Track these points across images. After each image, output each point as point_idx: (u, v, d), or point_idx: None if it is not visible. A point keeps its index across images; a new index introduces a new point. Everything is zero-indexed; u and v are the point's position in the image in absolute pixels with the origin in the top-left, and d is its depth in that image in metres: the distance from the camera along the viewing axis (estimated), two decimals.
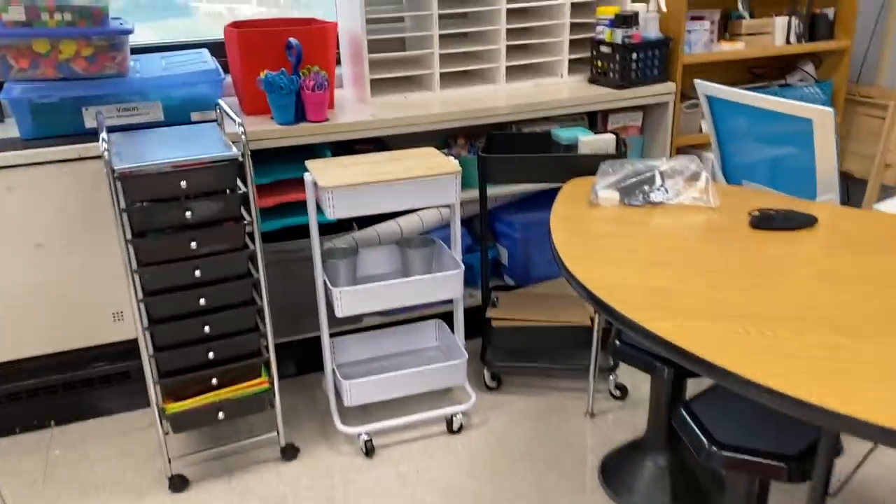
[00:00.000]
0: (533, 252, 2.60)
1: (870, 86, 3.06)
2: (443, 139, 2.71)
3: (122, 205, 1.76)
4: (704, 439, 1.43)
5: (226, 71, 2.56)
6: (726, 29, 2.82)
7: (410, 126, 2.34)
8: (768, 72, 3.03)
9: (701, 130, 2.83)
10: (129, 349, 2.28)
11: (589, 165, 2.13)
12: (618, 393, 2.35)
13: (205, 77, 2.22)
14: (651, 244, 1.61)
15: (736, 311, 1.31)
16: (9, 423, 2.26)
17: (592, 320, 2.34)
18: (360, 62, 2.46)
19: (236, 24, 2.42)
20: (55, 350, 2.20)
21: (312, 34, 2.33)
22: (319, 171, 2.01)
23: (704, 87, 2.13)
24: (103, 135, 1.72)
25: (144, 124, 2.20)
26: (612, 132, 2.31)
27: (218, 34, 2.64)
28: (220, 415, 1.97)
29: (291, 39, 2.22)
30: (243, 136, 1.83)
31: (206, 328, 1.92)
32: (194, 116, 2.26)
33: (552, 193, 2.74)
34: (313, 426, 2.27)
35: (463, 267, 2.11)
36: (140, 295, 1.83)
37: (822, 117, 1.84)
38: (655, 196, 1.84)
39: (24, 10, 2.01)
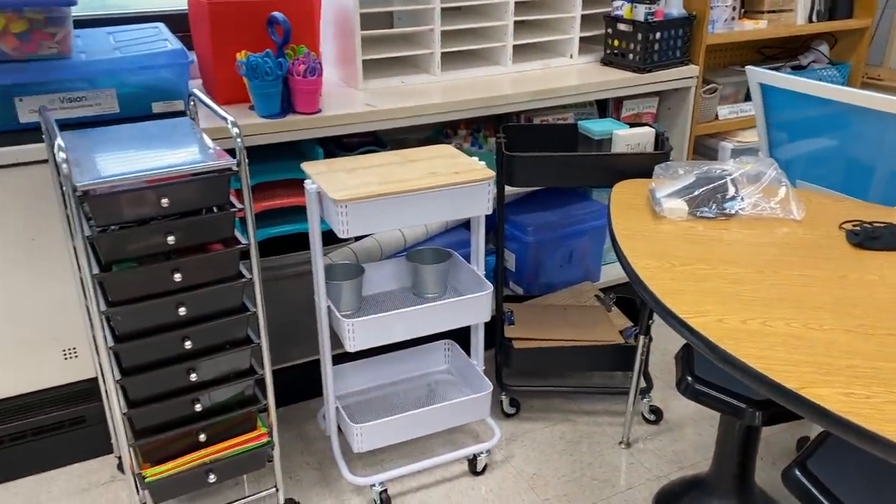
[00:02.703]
0: (545, 258, 2.31)
1: (878, 67, 2.90)
2: (439, 128, 2.37)
3: (86, 231, 1.37)
4: None
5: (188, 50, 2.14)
6: (743, 5, 2.58)
7: (412, 118, 2.00)
8: (780, 52, 2.82)
9: (717, 118, 2.59)
10: (83, 390, 1.88)
11: (630, 165, 1.85)
12: (652, 417, 2.12)
13: (169, 59, 1.81)
14: (752, 272, 1.35)
15: None
16: None
17: (623, 336, 2.08)
18: (348, 40, 2.09)
19: None
20: None
21: (294, 6, 1.95)
22: (323, 179, 1.66)
23: (758, 74, 1.87)
24: (59, 140, 1.32)
25: (95, 118, 1.78)
26: (627, 121, 2.04)
27: (172, 4, 2.21)
28: (211, 478, 1.62)
29: (276, 14, 1.84)
30: (239, 140, 1.46)
31: (193, 375, 1.56)
32: (156, 107, 1.85)
33: (562, 190, 2.46)
34: (312, 474, 1.93)
35: (491, 287, 1.81)
36: (110, 341, 1.45)
37: None
38: (730, 207, 1.58)
39: None
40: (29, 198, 1.66)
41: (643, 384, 2.10)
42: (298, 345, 2.11)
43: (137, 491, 1.58)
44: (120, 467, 1.94)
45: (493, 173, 1.69)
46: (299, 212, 1.96)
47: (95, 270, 1.40)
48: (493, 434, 1.98)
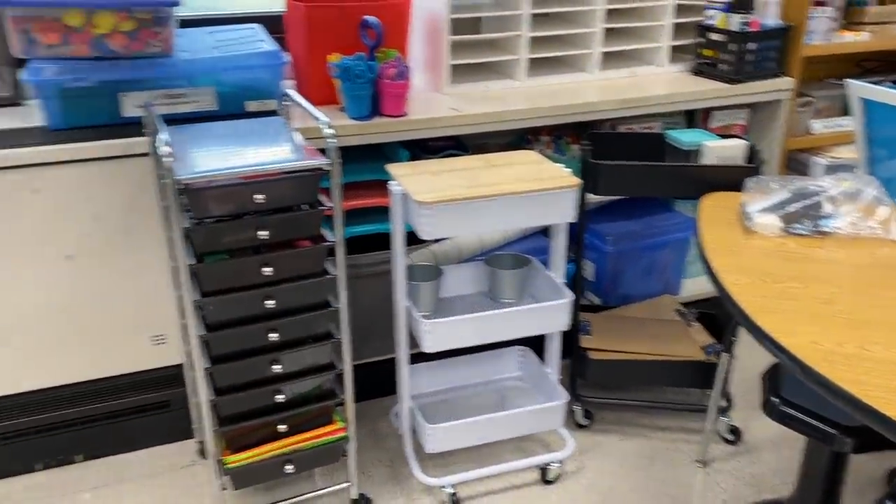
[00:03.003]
0: (625, 268, 2.28)
1: None
2: (521, 134, 2.37)
3: (184, 222, 1.42)
4: None
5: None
6: (844, 16, 2.48)
7: (497, 123, 2.01)
8: (880, 66, 2.70)
9: (810, 132, 2.50)
10: (169, 376, 1.96)
11: (719, 178, 1.81)
12: (731, 437, 2.06)
13: (265, 60, 1.87)
14: (848, 293, 1.30)
15: None
16: (29, 459, 1.93)
17: (705, 353, 2.03)
18: (437, 45, 2.11)
19: None
20: (84, 379, 1.88)
21: (387, 11, 1.98)
22: (408, 180, 1.68)
23: (860, 88, 1.80)
24: (163, 135, 1.38)
25: (193, 115, 1.85)
26: (716, 132, 1.99)
27: (269, 6, 2.28)
28: (289, 468, 1.66)
29: (369, 18, 1.87)
30: (332, 141, 1.49)
31: (276, 367, 1.60)
32: (250, 106, 1.92)
33: (644, 200, 2.42)
34: (383, 472, 1.96)
35: (572, 296, 1.80)
36: (201, 330, 1.50)
37: None
38: (826, 225, 1.53)
39: None
40: (128, 189, 1.74)
41: (723, 403, 2.05)
42: (371, 343, 2.14)
43: (218, 476, 1.63)
44: (200, 452, 2.01)
45: (577, 180, 1.68)
46: (379, 212, 1.99)
47: (190, 261, 1.46)
48: (566, 444, 1.96)
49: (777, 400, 1.52)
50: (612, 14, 2.30)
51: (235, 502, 1.84)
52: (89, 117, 1.77)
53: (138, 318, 1.85)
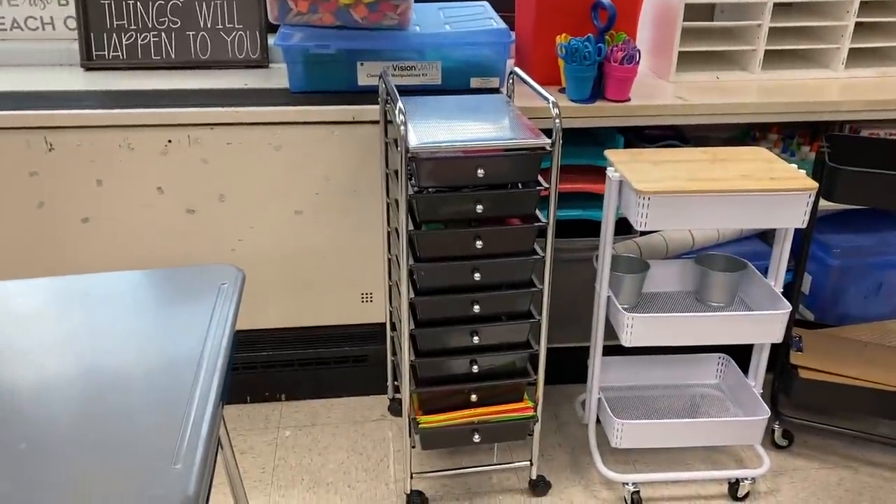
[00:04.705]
0: (848, 285, 2.09)
1: None
2: (746, 129, 2.23)
3: (409, 190, 1.48)
4: None
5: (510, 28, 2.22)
6: None
7: (726, 116, 1.90)
8: None
9: None
10: (371, 332, 2.06)
11: None
12: None
13: (494, 37, 1.90)
14: None
15: None
16: (241, 392, 2.13)
17: None
18: (667, 31, 2.03)
19: None
20: (297, 325, 2.03)
21: None
22: (627, 168, 1.63)
23: None
24: (400, 104, 1.44)
25: (420, 87, 1.92)
26: None
27: None
28: (476, 437, 1.70)
29: (604, 0, 1.83)
30: (557, 122, 1.48)
31: (475, 338, 1.63)
32: (474, 83, 1.95)
33: (880, 212, 2.20)
34: (563, 457, 1.95)
35: (790, 307, 1.67)
36: (411, 293, 1.57)
37: None
38: None
39: None
40: (357, 153, 1.84)
41: None
42: (564, 329, 2.12)
43: (409, 434, 1.70)
44: (390, 408, 2.11)
45: (814, 184, 1.55)
46: (587, 198, 1.96)
47: (410, 227, 1.52)
48: (762, 462, 1.84)
49: None
50: (866, 7, 2.09)
51: (420, 461, 1.91)
52: (328, 82, 1.89)
53: (352, 275, 1.97)
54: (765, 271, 1.82)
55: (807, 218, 1.58)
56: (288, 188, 1.85)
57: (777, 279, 1.74)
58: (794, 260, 1.88)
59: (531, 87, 1.62)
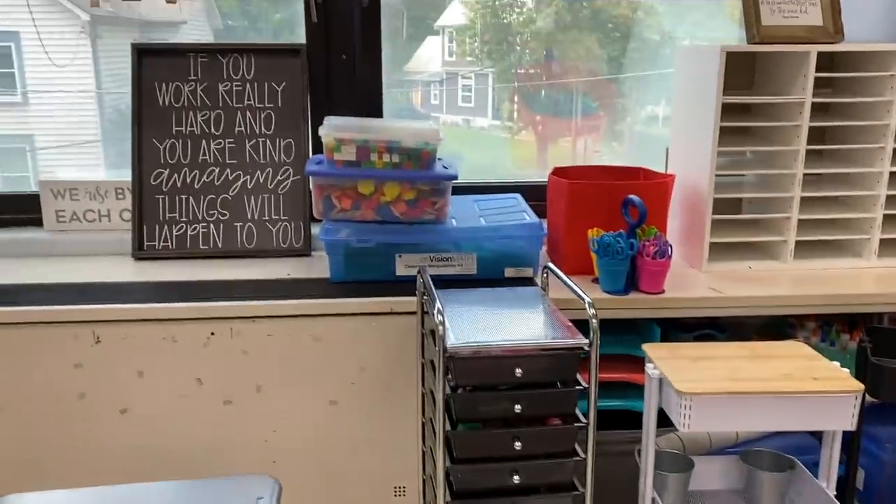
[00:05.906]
0: None
1: None
2: (782, 317, 2.22)
3: (446, 388, 1.48)
4: None
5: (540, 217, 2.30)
6: None
7: (759, 308, 1.91)
8: None
9: None
10: None
11: None
12: None
13: (527, 231, 1.97)
14: None
15: None
16: None
17: None
18: (697, 222, 2.09)
19: (560, 172, 2.17)
20: None
21: (650, 189, 2.01)
22: (666, 365, 1.62)
23: None
24: (439, 304, 1.46)
25: (455, 277, 1.97)
26: None
27: (529, 176, 2.42)
28: None
29: (633, 197, 1.90)
30: (594, 321, 1.49)
31: None
32: (508, 272, 2.00)
33: None
34: None
35: None
36: (447, 496, 1.52)
37: None
38: None
39: (356, 150, 1.89)
40: (393, 344, 1.86)
41: None
42: None
43: None
44: None
45: (861, 386, 1.52)
46: (626, 387, 1.93)
47: (446, 427, 1.50)
48: None
49: None
50: (890, 199, 2.14)
51: None
52: (367, 273, 1.95)
53: (385, 467, 1.92)
54: (813, 466, 1.74)
55: (855, 420, 1.53)
56: (324, 378, 1.85)
57: (829, 481, 1.66)
58: (845, 453, 1.80)
59: (566, 284, 1.64)
